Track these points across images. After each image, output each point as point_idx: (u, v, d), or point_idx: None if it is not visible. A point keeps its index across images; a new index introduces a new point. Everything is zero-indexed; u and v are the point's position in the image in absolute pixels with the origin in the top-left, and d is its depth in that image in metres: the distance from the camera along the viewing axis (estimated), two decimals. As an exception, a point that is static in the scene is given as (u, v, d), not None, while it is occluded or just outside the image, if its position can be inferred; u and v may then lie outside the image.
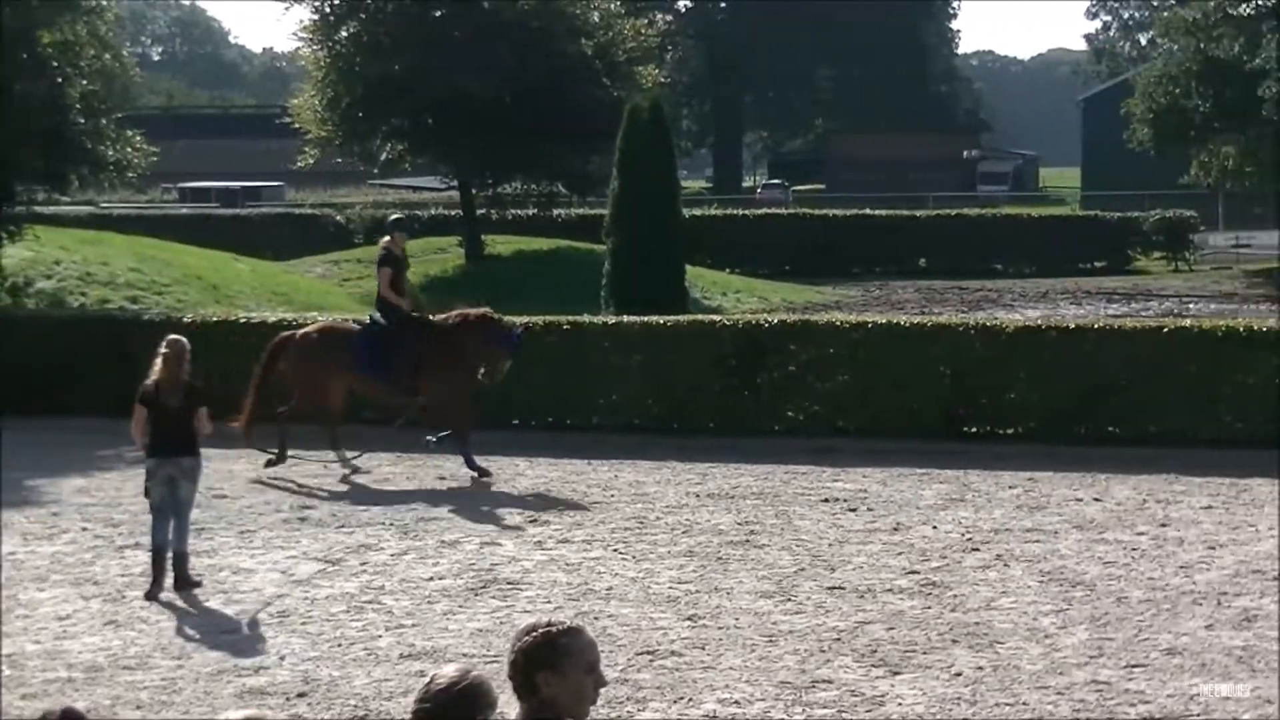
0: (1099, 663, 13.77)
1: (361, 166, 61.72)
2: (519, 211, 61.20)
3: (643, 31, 55.51)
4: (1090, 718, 12.45)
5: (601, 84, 52.24)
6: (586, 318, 28.27)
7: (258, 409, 23.04)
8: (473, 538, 18.79)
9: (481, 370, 22.53)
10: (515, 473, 22.68)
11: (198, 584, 16.63)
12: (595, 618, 14.91)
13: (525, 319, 27.01)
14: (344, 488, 22.01)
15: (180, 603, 16.21)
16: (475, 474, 22.19)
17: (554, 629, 6.08)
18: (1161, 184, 70.33)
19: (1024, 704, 12.77)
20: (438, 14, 52.04)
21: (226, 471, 22.18)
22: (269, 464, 22.80)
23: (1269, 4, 65.76)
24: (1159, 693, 12.91)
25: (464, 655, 13.74)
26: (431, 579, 16.90)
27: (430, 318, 23.03)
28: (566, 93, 50.64)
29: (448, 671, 6.06)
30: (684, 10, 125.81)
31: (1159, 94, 67.65)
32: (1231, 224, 68.44)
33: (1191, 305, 49.36)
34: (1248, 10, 67.11)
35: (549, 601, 15.80)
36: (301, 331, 23.85)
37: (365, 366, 22.87)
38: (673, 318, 27.75)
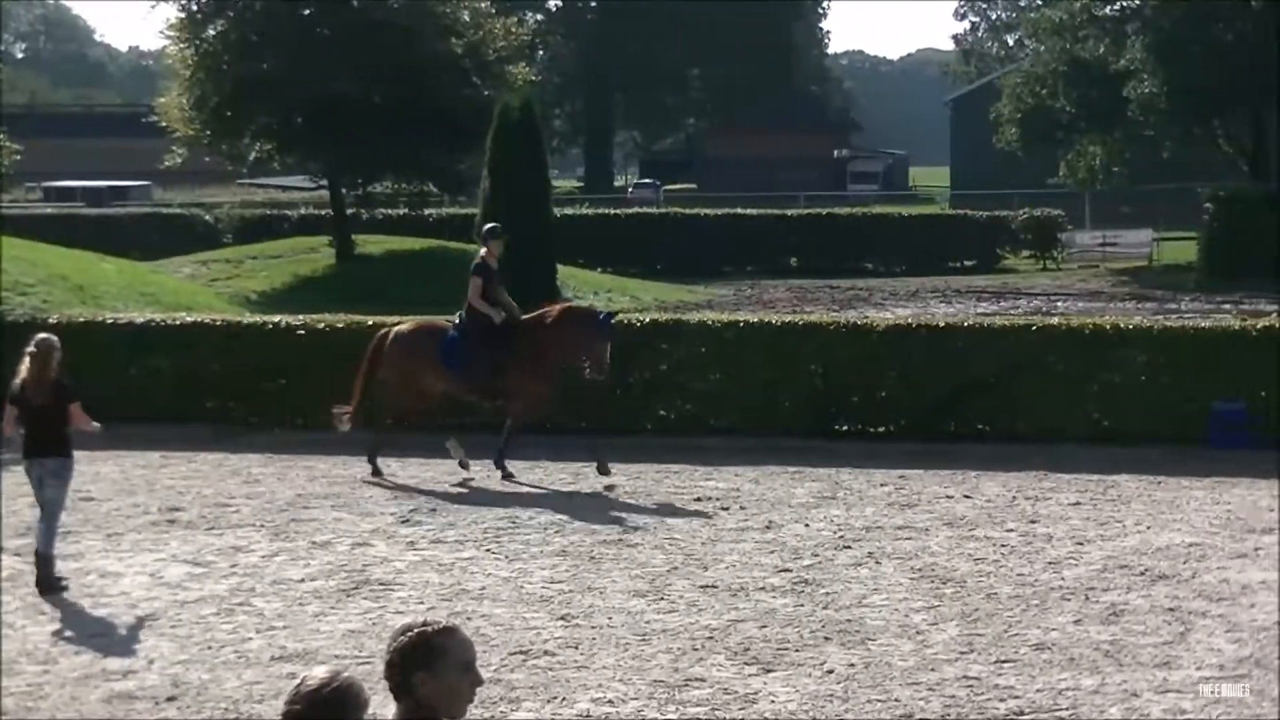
0: (969, 658, 13.86)
1: (230, 166, 61.15)
2: (390, 211, 60.98)
3: (513, 30, 55.39)
4: (960, 713, 12.53)
5: (472, 83, 52.07)
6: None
7: (362, 402, 22.83)
8: (344, 539, 18.67)
9: (586, 366, 22.16)
10: (388, 473, 22.54)
11: (64, 588, 16.42)
12: (468, 618, 14.86)
13: (396, 319, 26.89)
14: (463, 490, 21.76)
15: (47, 606, 15.99)
16: (501, 472, 22.22)
17: (429, 629, 6.11)
18: (1029, 183, 71.12)
19: (895, 700, 12.83)
20: (306, 12, 51.68)
21: (94, 474, 21.89)
22: (374, 473, 22.38)
23: (1133, 5, 66.59)
24: (1028, 688, 13.01)
25: (336, 657, 13.65)
26: (303, 580, 16.77)
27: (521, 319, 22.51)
28: (437, 91, 50.44)
29: (317, 673, 6.03)
30: (555, 9, 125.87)
31: (1026, 95, 68.45)
32: (1099, 223, 69.26)
33: (1060, 303, 49.84)
34: (1112, 11, 67.97)
35: (421, 602, 15.73)
36: (397, 327, 23.34)
37: (450, 365, 22.45)
38: (545, 317, 27.64)
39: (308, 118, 51.61)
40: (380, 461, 22.64)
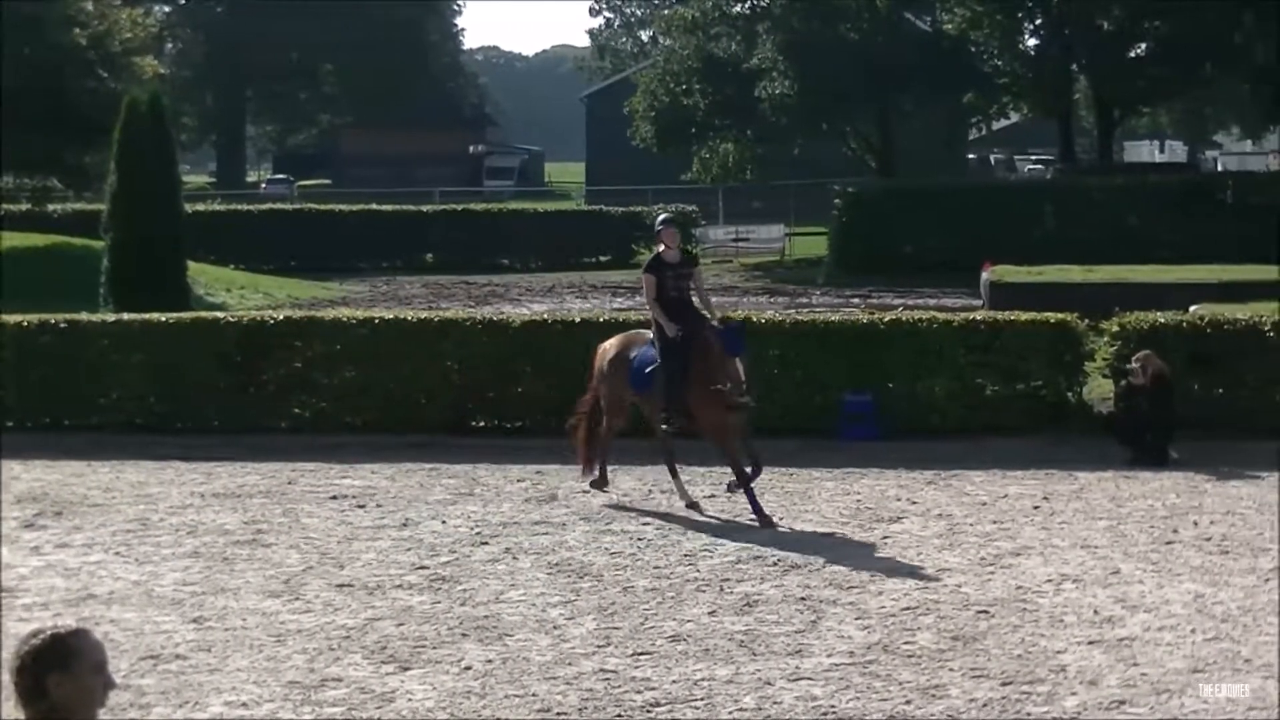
0: (606, 652, 13.92)
1: None
2: (11, 207, 59.17)
3: (140, 22, 54.25)
4: (598, 706, 12.57)
5: (98, 75, 50.87)
6: (85, 316, 27.52)
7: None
8: (-35, 545, 18.06)
9: (724, 385, 19.17)
10: (10, 477, 21.87)
11: None
12: (96, 623, 14.45)
13: (20, 319, 26.18)
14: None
15: None
16: (761, 520, 18.87)
17: (61, 630, 6.10)
18: (664, 179, 71.88)
19: (533, 695, 12.82)
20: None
21: None
22: (595, 485, 20.69)
23: (763, 4, 67.80)
24: (664, 679, 13.11)
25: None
26: (-80, 589, 16.17)
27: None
28: (61, 84, 49.13)
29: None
30: (183, 2, 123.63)
31: (661, 91, 69.18)
32: (731, 218, 70.30)
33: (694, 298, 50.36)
34: (743, 10, 69.13)
35: (46, 608, 15.27)
36: (603, 345, 21.09)
37: (636, 381, 20.16)
38: (175, 315, 27.21)
39: (-77, 109, 49.86)
40: None
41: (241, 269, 55.40)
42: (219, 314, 29.24)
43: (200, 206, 62.14)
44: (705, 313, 19.74)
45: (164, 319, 26.41)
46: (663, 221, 20.44)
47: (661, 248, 19.82)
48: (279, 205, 71.25)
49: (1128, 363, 23.44)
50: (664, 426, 19.91)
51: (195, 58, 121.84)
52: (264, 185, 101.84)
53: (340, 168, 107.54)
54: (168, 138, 39.05)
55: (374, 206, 65.75)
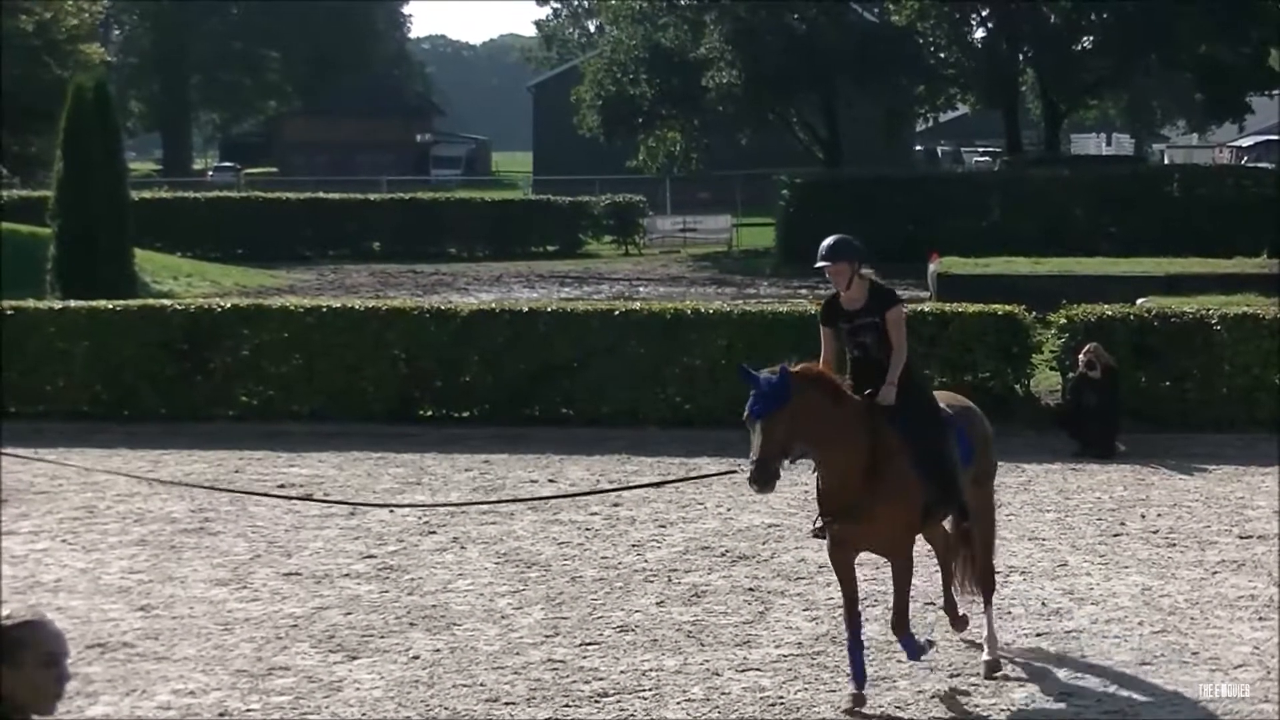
0: (554, 641, 13.91)
1: None
2: (-46, 194, 58.85)
3: (85, 9, 53.94)
4: (546, 696, 12.56)
5: (43, 62, 50.56)
6: (31, 303, 27.35)
7: None
8: (-91, 533, 17.93)
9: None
10: None
11: None
12: (44, 611, 14.35)
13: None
14: None
15: None
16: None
17: (7, 621, 5.92)
18: (611, 169, 71.78)
19: (481, 685, 12.80)
20: None
21: None
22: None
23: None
24: (613, 669, 13.11)
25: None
26: None
27: None
28: (4, 70, 48.84)
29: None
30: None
31: (607, 81, 69.10)
32: (678, 208, 70.27)
33: (641, 288, 50.45)
34: (691, 0, 69.08)
35: (-8, 597, 15.19)
36: None
37: None
38: (121, 302, 27.04)
39: None
40: None
41: (188, 257, 55.12)
42: (166, 302, 29.07)
43: (146, 194, 61.74)
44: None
45: (110, 306, 26.27)
46: (827, 251, 13.53)
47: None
48: (226, 193, 70.92)
49: (1075, 355, 23.53)
50: None
51: (141, 44, 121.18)
52: (210, 173, 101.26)
53: (286, 156, 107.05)
54: (113, 125, 38.82)
55: (321, 195, 65.42)
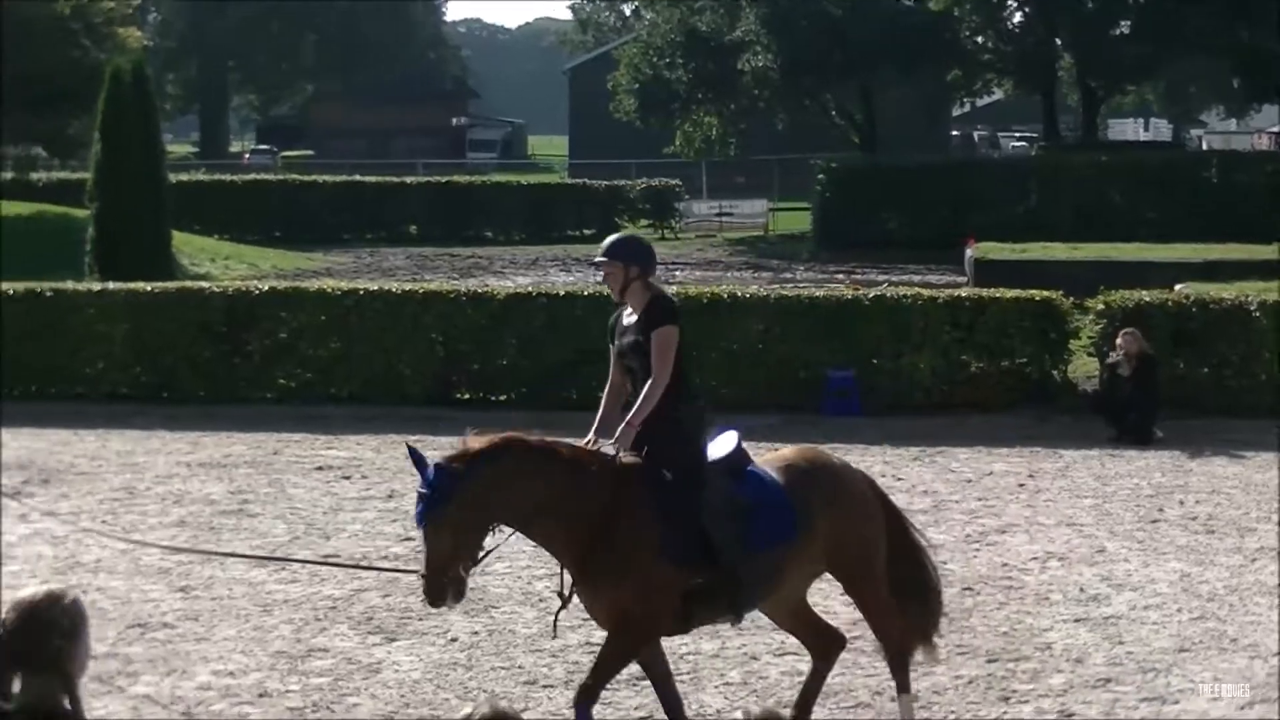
0: (592, 625, 13.85)
1: None
2: (-3, 175, 59.04)
3: (123, -8, 54.08)
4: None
5: (81, 45, 50.68)
6: (70, 285, 27.48)
7: None
8: (-50, 513, 18.03)
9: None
10: None
11: None
12: (84, 591, 14.42)
13: (5, 287, 26.18)
14: None
15: None
16: None
17: (64, 594, 6.00)
18: (647, 152, 71.75)
19: (519, 667, 12.84)
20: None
21: None
22: None
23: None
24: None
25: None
26: (-94, 557, 16.14)
27: None
28: (44, 54, 48.96)
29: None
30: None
31: (643, 65, 69.05)
32: (715, 193, 70.20)
33: (678, 272, 50.41)
34: (727, -17, 68.95)
35: (34, 576, 15.23)
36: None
37: None
38: (160, 285, 27.18)
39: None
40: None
41: (226, 239, 55.23)
42: (204, 284, 29.19)
43: (184, 176, 61.90)
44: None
45: (149, 289, 26.37)
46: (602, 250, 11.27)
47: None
48: (263, 175, 71.07)
49: (1112, 341, 23.50)
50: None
51: (178, 27, 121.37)
52: (248, 156, 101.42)
53: (322, 139, 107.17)
54: (151, 107, 39.00)
55: (357, 178, 65.52)
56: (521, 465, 10.38)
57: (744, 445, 11.10)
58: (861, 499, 11.37)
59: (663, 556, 10.37)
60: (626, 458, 10.53)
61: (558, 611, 10.76)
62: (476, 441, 10.30)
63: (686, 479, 10.54)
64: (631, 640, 10.64)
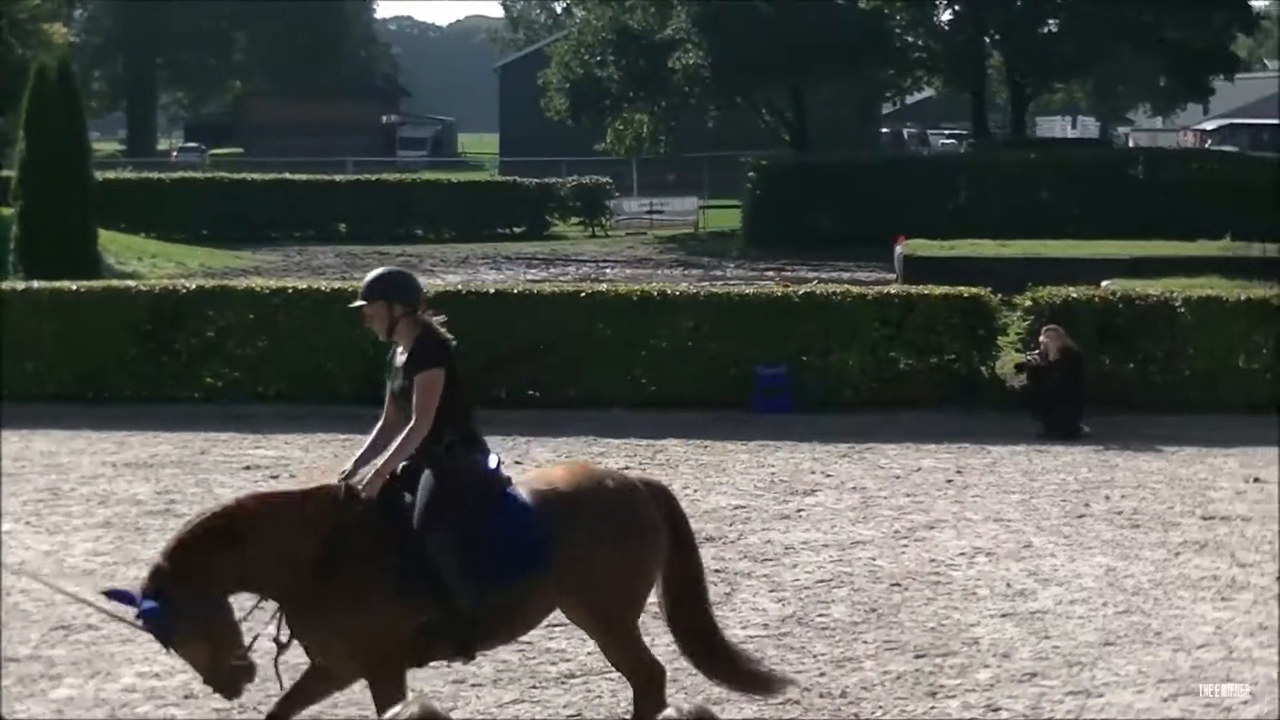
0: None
1: None
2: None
3: (49, -12, 53.70)
4: (512, 676, 12.55)
5: (5, 41, 50.33)
6: (-7, 284, 27.24)
7: None
8: (-128, 514, 17.85)
9: None
10: None
11: None
12: (7, 594, 14.33)
13: None
14: None
15: None
16: None
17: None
18: (578, 150, 71.72)
19: (448, 666, 12.74)
20: None
21: None
22: None
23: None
24: (579, 650, 13.05)
25: None
26: None
27: None
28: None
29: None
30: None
31: (574, 63, 69.01)
32: (645, 191, 70.24)
33: (608, 270, 50.47)
34: (658, -18, 69.00)
35: (-44, 579, 15.11)
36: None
37: None
38: (85, 283, 26.96)
39: None
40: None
41: (153, 238, 54.90)
42: (130, 283, 28.97)
43: (110, 174, 61.48)
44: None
45: (74, 288, 26.17)
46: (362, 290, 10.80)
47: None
48: (191, 173, 70.68)
49: (1038, 338, 23.64)
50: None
51: (105, 24, 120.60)
52: (175, 153, 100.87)
53: (252, 137, 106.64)
54: (77, 105, 38.75)
55: (286, 176, 65.26)
56: (218, 548, 9.88)
57: (502, 469, 10.69)
58: (631, 524, 10.55)
59: (387, 592, 9.98)
60: (371, 496, 10.19)
61: (276, 656, 10.23)
62: (170, 555, 9.80)
63: (425, 520, 10.14)
64: (379, 675, 10.20)
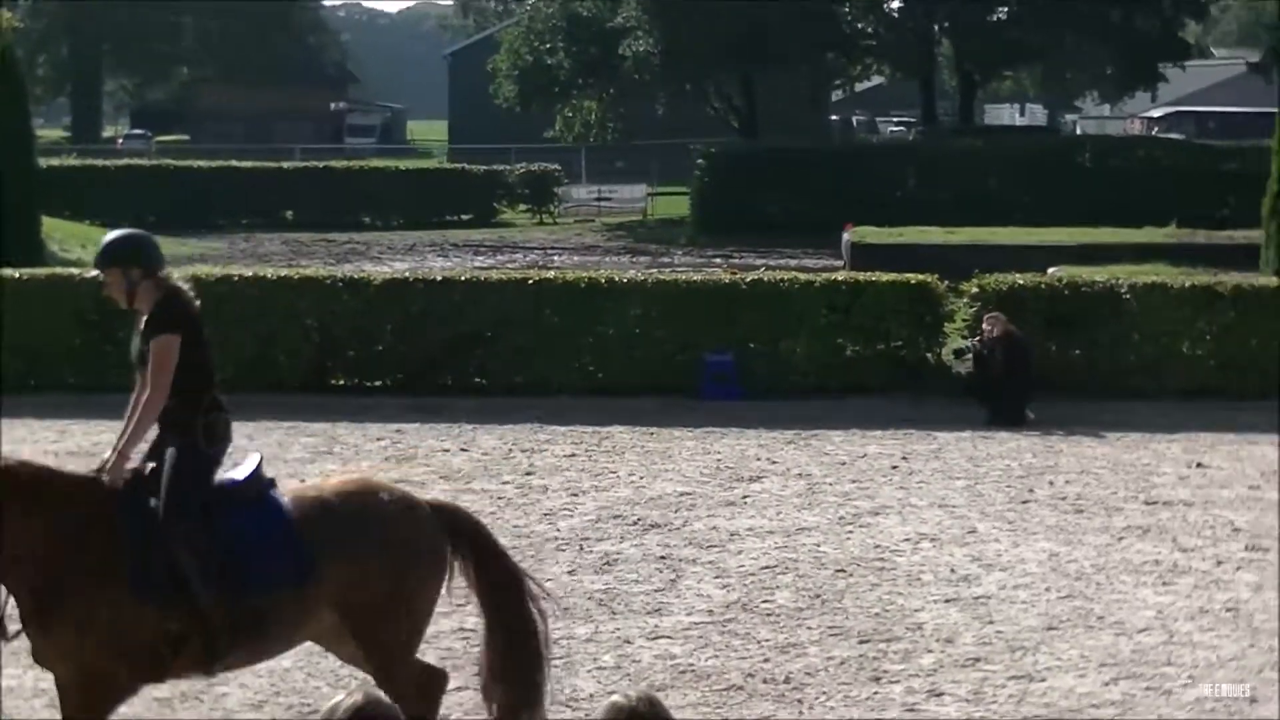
0: (465, 610, 13.79)
1: None
2: None
3: (-9, -28, 53.28)
4: (455, 665, 12.53)
5: (-51, 27, 49.95)
6: (-64, 271, 27.04)
7: None
8: None
9: None
10: None
11: None
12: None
13: None
14: None
15: None
16: None
17: None
18: (527, 137, 71.63)
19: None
20: None
21: None
22: None
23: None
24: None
25: None
26: None
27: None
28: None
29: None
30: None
31: (524, 50, 68.92)
32: (594, 178, 70.18)
33: (556, 257, 50.43)
34: (608, -31, 68.94)
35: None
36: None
37: None
38: (29, 271, 26.81)
39: None
40: None
41: (98, 225, 54.50)
42: (74, 271, 28.77)
43: (55, 161, 61.16)
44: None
45: (18, 275, 26.00)
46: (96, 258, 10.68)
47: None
48: (136, 160, 70.26)
49: (979, 325, 23.75)
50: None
51: (49, 8, 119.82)
52: (121, 140, 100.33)
53: (199, 123, 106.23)
54: (20, 91, 38.51)
55: (233, 163, 64.98)
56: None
57: (264, 471, 9.99)
58: (407, 545, 9.78)
59: (130, 593, 9.23)
60: (115, 483, 9.48)
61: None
62: None
63: (169, 505, 9.43)
64: (93, 694, 9.34)
